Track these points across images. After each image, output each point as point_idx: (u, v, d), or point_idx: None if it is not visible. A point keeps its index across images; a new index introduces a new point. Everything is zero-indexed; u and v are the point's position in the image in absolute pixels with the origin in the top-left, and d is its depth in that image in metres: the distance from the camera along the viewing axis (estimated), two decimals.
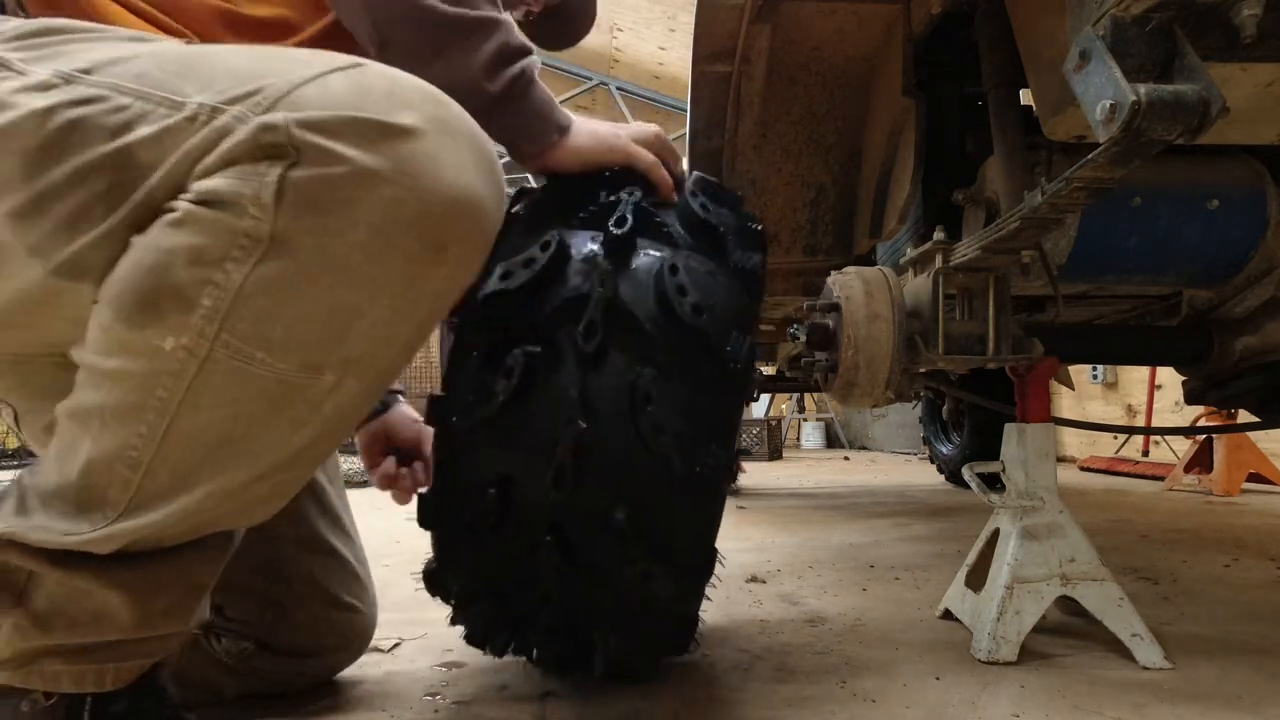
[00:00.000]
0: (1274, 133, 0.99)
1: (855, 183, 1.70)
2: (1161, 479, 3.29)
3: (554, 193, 0.86)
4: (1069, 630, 1.15)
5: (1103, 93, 0.69)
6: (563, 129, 0.83)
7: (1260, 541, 1.89)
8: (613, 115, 7.72)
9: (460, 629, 0.86)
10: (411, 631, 1.21)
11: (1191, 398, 1.45)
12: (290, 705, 0.93)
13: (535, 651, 0.86)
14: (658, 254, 0.80)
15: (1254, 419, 1.47)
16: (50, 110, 0.56)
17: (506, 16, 0.78)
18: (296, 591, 0.94)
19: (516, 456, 0.75)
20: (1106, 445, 4.10)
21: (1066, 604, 1.05)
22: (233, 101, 0.56)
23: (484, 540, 0.78)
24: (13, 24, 0.62)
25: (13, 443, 5.75)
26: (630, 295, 0.77)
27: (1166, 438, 3.56)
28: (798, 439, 7.44)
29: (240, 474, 0.61)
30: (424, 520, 0.80)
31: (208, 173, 0.55)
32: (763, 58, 1.47)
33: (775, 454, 5.69)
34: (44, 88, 0.57)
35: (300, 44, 0.77)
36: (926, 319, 1.14)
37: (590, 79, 7.74)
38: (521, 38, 0.79)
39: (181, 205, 0.55)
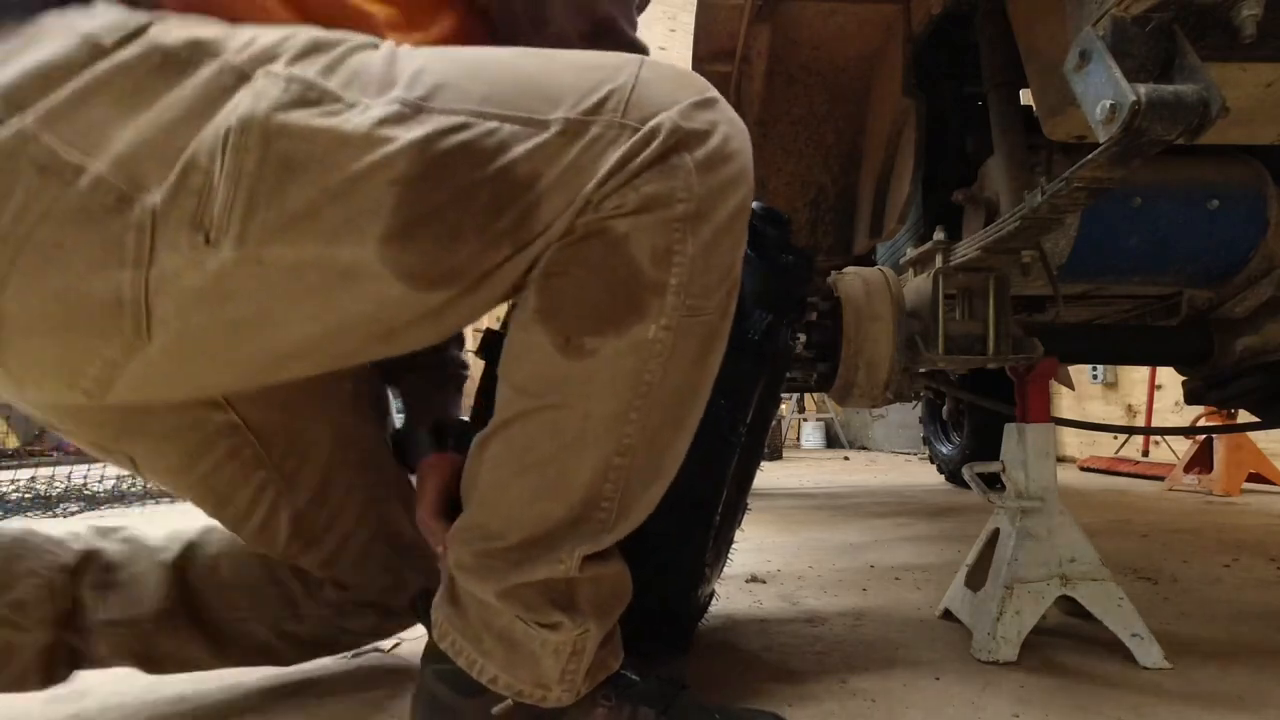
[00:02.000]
0: (1274, 133, 0.99)
1: (855, 183, 1.70)
2: (1161, 479, 3.29)
3: None
4: (1069, 630, 1.15)
5: (1103, 93, 0.69)
6: None
7: (1260, 541, 1.89)
8: None
9: None
10: (413, 631, 1.21)
11: (1191, 398, 1.46)
12: (291, 702, 0.93)
13: None
14: None
15: (1254, 419, 1.47)
16: (428, 140, 0.59)
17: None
18: (411, 561, 0.99)
19: None
20: (1106, 445, 4.10)
21: (1066, 604, 1.05)
22: (592, 113, 0.62)
23: None
24: (271, 38, 0.62)
25: (12, 442, 5.75)
26: None
27: (1166, 438, 3.56)
28: (798, 439, 7.44)
29: (694, 419, 0.72)
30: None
31: (627, 182, 0.62)
32: (763, 58, 1.47)
33: (775, 454, 5.69)
34: (402, 119, 0.60)
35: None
36: (926, 319, 1.14)
37: None
38: None
39: (621, 221, 0.62)
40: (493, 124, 0.61)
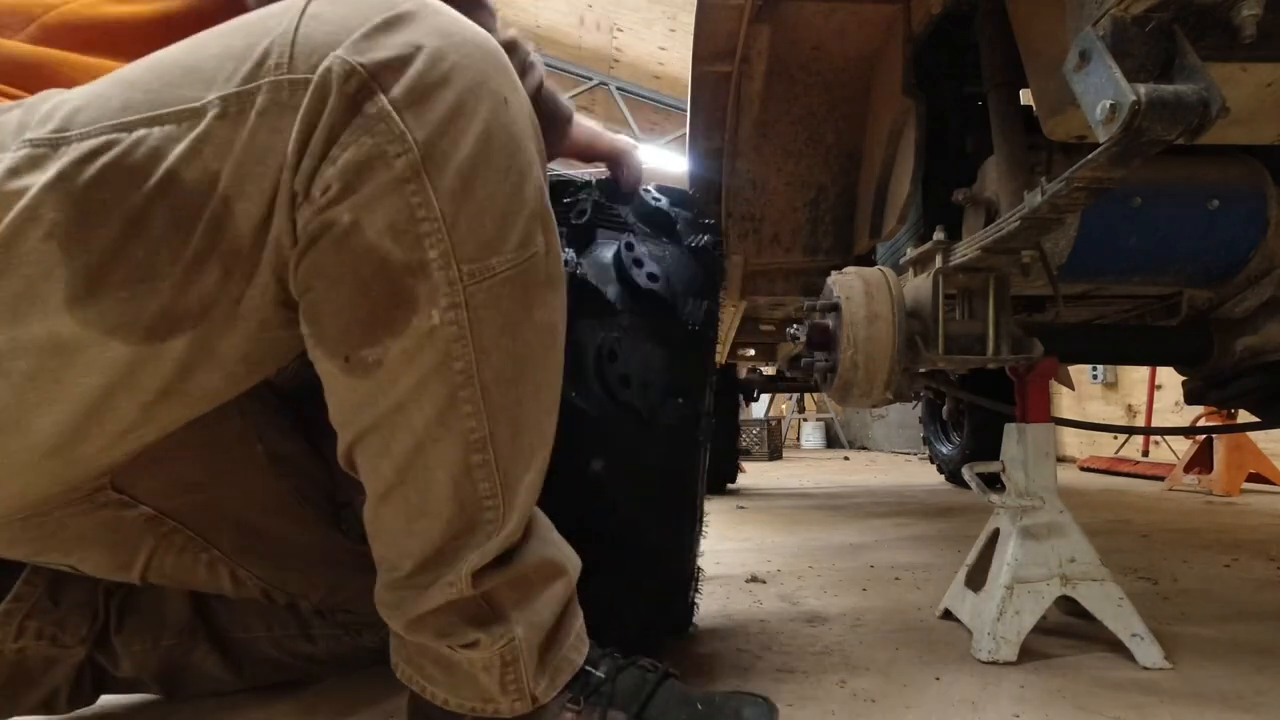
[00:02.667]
0: (1274, 133, 0.99)
1: (855, 183, 1.70)
2: (1161, 479, 3.29)
3: None
4: (1069, 630, 1.15)
5: (1103, 93, 0.69)
6: (565, 129, 0.90)
7: (1260, 541, 1.89)
8: (612, 115, 7.72)
9: None
10: None
11: (1191, 398, 1.45)
12: (292, 700, 0.93)
13: None
14: (615, 237, 0.92)
15: (1254, 419, 1.47)
16: (63, 175, 0.51)
17: (516, 31, 0.79)
18: None
19: None
20: (1106, 445, 4.10)
21: (1066, 604, 1.05)
22: (251, 78, 0.52)
23: None
24: None
25: None
26: (594, 273, 0.87)
27: (1166, 438, 3.56)
28: (798, 439, 7.44)
29: (551, 377, 0.65)
30: None
31: (322, 155, 0.52)
32: (763, 58, 1.47)
33: (775, 454, 5.69)
34: (35, 161, 0.51)
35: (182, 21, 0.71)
36: (926, 319, 1.14)
37: (590, 79, 7.74)
38: (528, 46, 0.82)
39: (340, 209, 0.53)
40: (140, 132, 0.51)
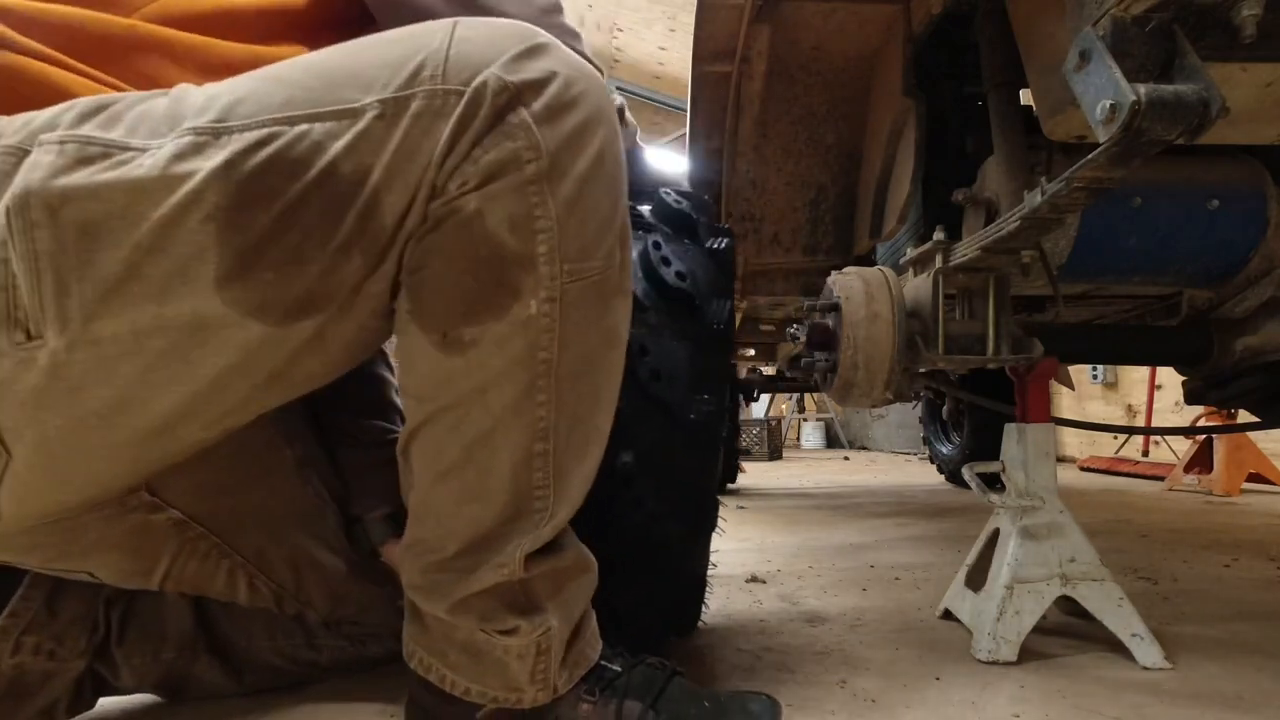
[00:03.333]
0: (1274, 133, 0.99)
1: (855, 183, 1.70)
2: (1161, 479, 3.29)
3: None
4: (1069, 630, 1.15)
5: (1103, 93, 0.69)
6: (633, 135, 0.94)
7: (1260, 541, 1.89)
8: None
9: None
10: None
11: (1191, 398, 1.45)
12: (293, 701, 0.93)
13: None
14: (639, 236, 0.93)
15: (1254, 419, 1.47)
16: (231, 163, 0.54)
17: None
18: None
19: None
20: (1106, 445, 4.10)
21: (1066, 604, 1.05)
22: (408, 86, 0.57)
23: None
24: (54, 110, 0.57)
25: None
26: None
27: (1166, 438, 3.56)
28: (798, 439, 7.44)
29: (613, 380, 0.69)
30: None
31: (465, 155, 0.57)
32: (763, 58, 1.47)
33: (775, 454, 5.69)
34: (199, 148, 0.54)
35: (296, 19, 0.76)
36: (926, 319, 1.14)
37: None
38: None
39: (469, 199, 0.58)
40: (302, 127, 0.55)
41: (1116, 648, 1.02)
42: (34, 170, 0.53)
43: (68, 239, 0.53)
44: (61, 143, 0.54)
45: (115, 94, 0.59)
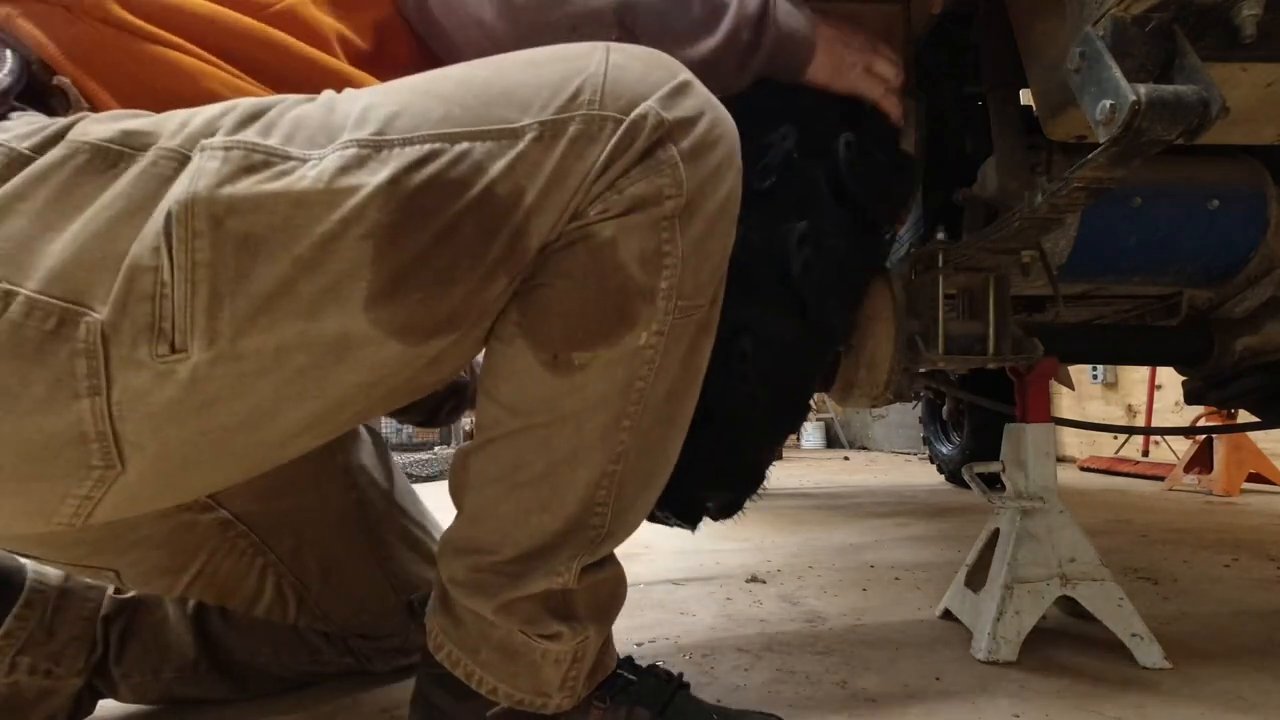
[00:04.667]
0: (1274, 133, 0.98)
1: None
2: (1161, 479, 3.29)
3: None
4: (1069, 630, 1.15)
5: (1103, 93, 0.69)
6: (801, 69, 0.86)
7: (1260, 541, 1.89)
8: None
9: None
10: None
11: (1191, 398, 1.45)
12: (293, 701, 0.93)
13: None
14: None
15: (1254, 419, 1.47)
16: (395, 180, 0.52)
17: (736, 16, 0.79)
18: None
19: None
20: (1106, 445, 4.10)
21: (1066, 604, 1.05)
22: (566, 109, 0.56)
23: None
24: (210, 114, 0.55)
25: None
26: (801, 152, 0.86)
27: (1166, 438, 3.56)
28: (798, 439, 7.44)
29: (688, 411, 0.69)
30: None
31: (612, 184, 0.57)
32: None
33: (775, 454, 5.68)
34: (362, 161, 0.53)
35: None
36: (926, 319, 1.13)
37: None
38: (758, 9, 0.81)
39: (606, 225, 0.57)
40: (463, 145, 0.54)
41: (1116, 648, 1.02)
42: (199, 177, 0.51)
43: (228, 250, 0.51)
44: (226, 149, 0.52)
45: (269, 98, 0.58)
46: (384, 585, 0.96)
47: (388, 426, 4.78)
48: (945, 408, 3.26)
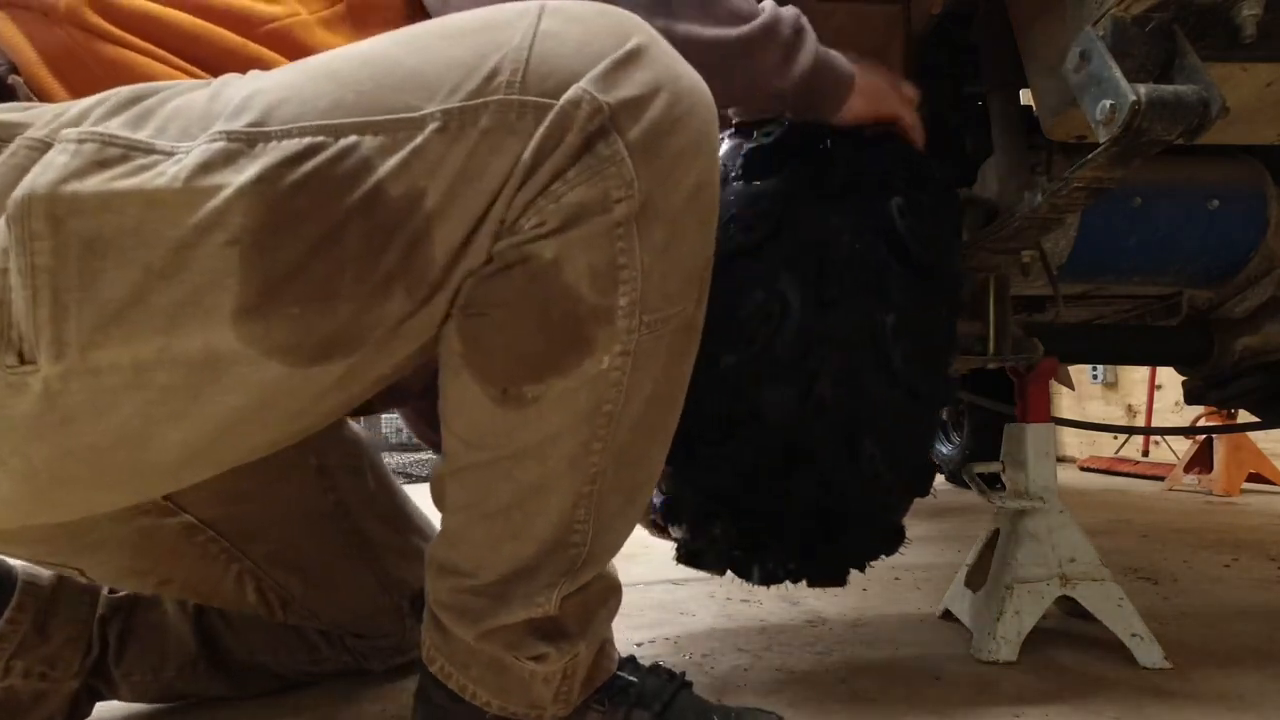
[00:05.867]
0: (1274, 133, 0.99)
1: None
2: (1161, 479, 3.29)
3: (777, 141, 0.90)
4: (1069, 630, 1.15)
5: (1103, 93, 0.69)
6: (845, 96, 0.81)
7: (1260, 541, 1.89)
8: None
9: None
10: None
11: (1191, 398, 1.45)
12: (293, 701, 0.93)
13: (755, 569, 0.90)
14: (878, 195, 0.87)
15: (1254, 419, 1.47)
16: (264, 179, 0.46)
17: (775, 10, 0.73)
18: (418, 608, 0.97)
19: (774, 391, 0.82)
20: (1106, 445, 4.10)
21: (1066, 604, 1.05)
22: (478, 94, 0.48)
23: (727, 469, 0.84)
24: (91, 100, 0.51)
25: None
26: (861, 241, 0.85)
27: (1166, 438, 3.55)
28: None
29: (672, 422, 0.64)
30: (668, 457, 0.87)
31: (544, 188, 0.49)
32: None
33: None
34: (230, 158, 0.47)
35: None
36: None
37: None
38: (795, 17, 0.76)
39: (545, 244, 0.50)
40: (350, 139, 0.47)
41: (1116, 648, 1.02)
42: (44, 172, 0.47)
43: (70, 255, 0.46)
44: (80, 141, 0.47)
45: (158, 82, 0.52)
46: (373, 586, 0.95)
47: (388, 426, 4.77)
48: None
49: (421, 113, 0.48)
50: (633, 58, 0.50)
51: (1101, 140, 0.71)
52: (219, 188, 0.46)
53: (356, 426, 1.02)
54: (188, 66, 0.59)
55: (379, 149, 0.48)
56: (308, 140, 0.47)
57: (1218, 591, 1.39)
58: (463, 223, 0.49)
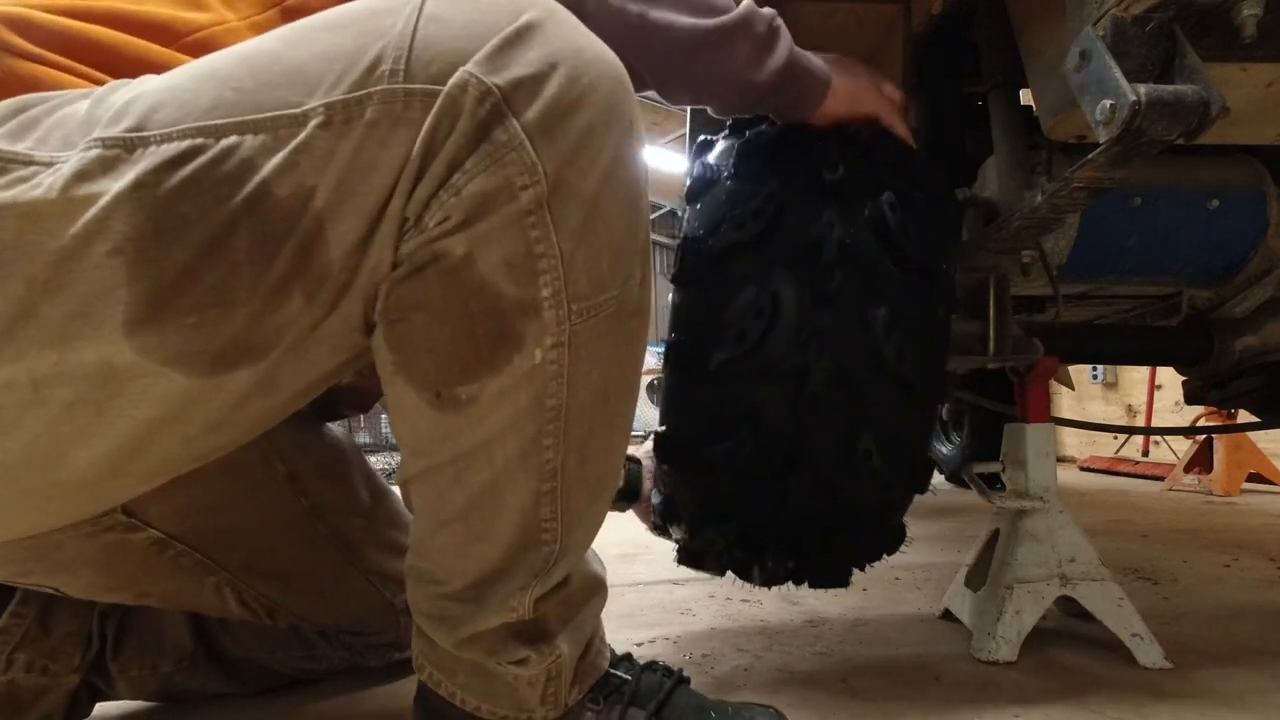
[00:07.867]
0: (1274, 133, 0.98)
1: None
2: (1161, 479, 3.29)
3: (770, 139, 0.90)
4: (1069, 630, 1.15)
5: (1103, 93, 0.69)
6: (821, 97, 0.81)
7: (1260, 541, 1.89)
8: None
9: None
10: None
11: (1191, 398, 1.45)
12: (293, 701, 0.93)
13: (756, 570, 0.90)
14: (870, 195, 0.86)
15: (1254, 419, 1.47)
16: (142, 184, 0.45)
17: (751, 6, 0.73)
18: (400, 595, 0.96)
19: (768, 389, 0.82)
20: (1106, 445, 4.10)
21: (1066, 604, 1.05)
22: (361, 85, 0.46)
23: (723, 468, 0.84)
24: None
25: None
26: (854, 237, 0.84)
27: (1166, 438, 3.56)
28: None
29: (629, 407, 0.63)
30: (664, 456, 0.89)
31: (442, 181, 0.48)
32: None
33: None
34: (107, 165, 0.46)
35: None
36: None
37: None
38: (771, 16, 0.76)
39: (454, 240, 0.48)
40: (230, 139, 0.46)
41: (1116, 648, 1.02)
42: None
43: None
44: None
45: (45, 93, 0.51)
46: (362, 585, 0.94)
47: (387, 426, 4.76)
48: (945, 408, 3.26)
49: (304, 108, 0.47)
50: (523, 35, 0.48)
51: (1101, 140, 0.71)
52: (96, 196, 0.45)
53: (338, 429, 1.01)
54: (110, 80, 0.58)
55: (261, 148, 0.46)
56: (187, 143, 0.46)
57: (1217, 591, 1.39)
58: (357, 221, 0.48)
